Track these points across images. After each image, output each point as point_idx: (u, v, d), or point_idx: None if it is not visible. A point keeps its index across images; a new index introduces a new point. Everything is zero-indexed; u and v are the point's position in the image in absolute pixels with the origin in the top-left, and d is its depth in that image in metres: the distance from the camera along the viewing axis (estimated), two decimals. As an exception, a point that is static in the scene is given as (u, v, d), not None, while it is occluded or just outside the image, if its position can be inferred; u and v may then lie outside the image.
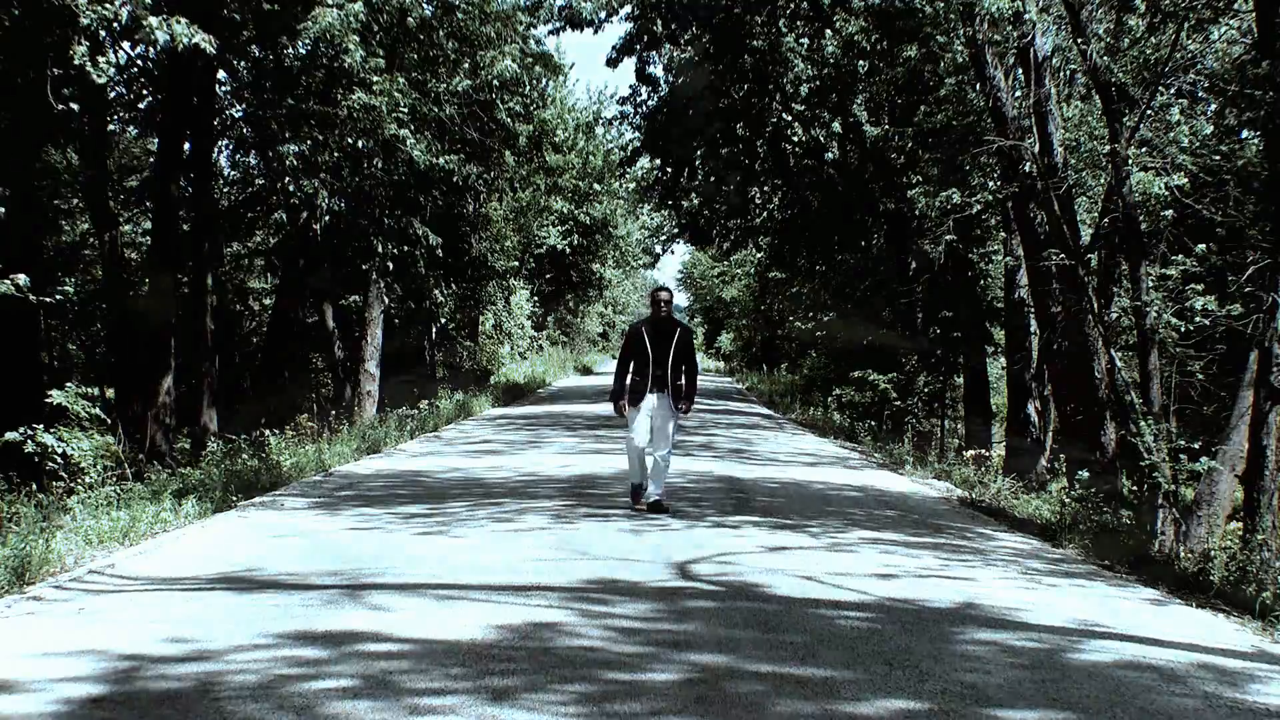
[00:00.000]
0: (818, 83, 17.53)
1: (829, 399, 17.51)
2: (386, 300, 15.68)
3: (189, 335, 11.96)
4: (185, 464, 9.13)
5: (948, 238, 15.34)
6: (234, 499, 6.81)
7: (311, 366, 18.24)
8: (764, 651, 3.45)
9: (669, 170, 20.12)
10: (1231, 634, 4.10)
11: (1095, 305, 8.63)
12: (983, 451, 14.99)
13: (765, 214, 21.07)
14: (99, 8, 6.46)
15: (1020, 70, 10.53)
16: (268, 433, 8.53)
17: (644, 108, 19.86)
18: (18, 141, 9.66)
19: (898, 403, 15.98)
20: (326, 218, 14.69)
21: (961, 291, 17.32)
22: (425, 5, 13.40)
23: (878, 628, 3.80)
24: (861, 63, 17.00)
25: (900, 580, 4.75)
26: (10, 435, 5.72)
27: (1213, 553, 5.79)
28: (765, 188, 20.44)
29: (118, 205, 13.64)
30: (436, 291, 17.68)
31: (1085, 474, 7.74)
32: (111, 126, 13.44)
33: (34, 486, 5.71)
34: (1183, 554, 6.09)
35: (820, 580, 4.67)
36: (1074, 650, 3.64)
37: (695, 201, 21.45)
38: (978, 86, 12.12)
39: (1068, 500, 7.64)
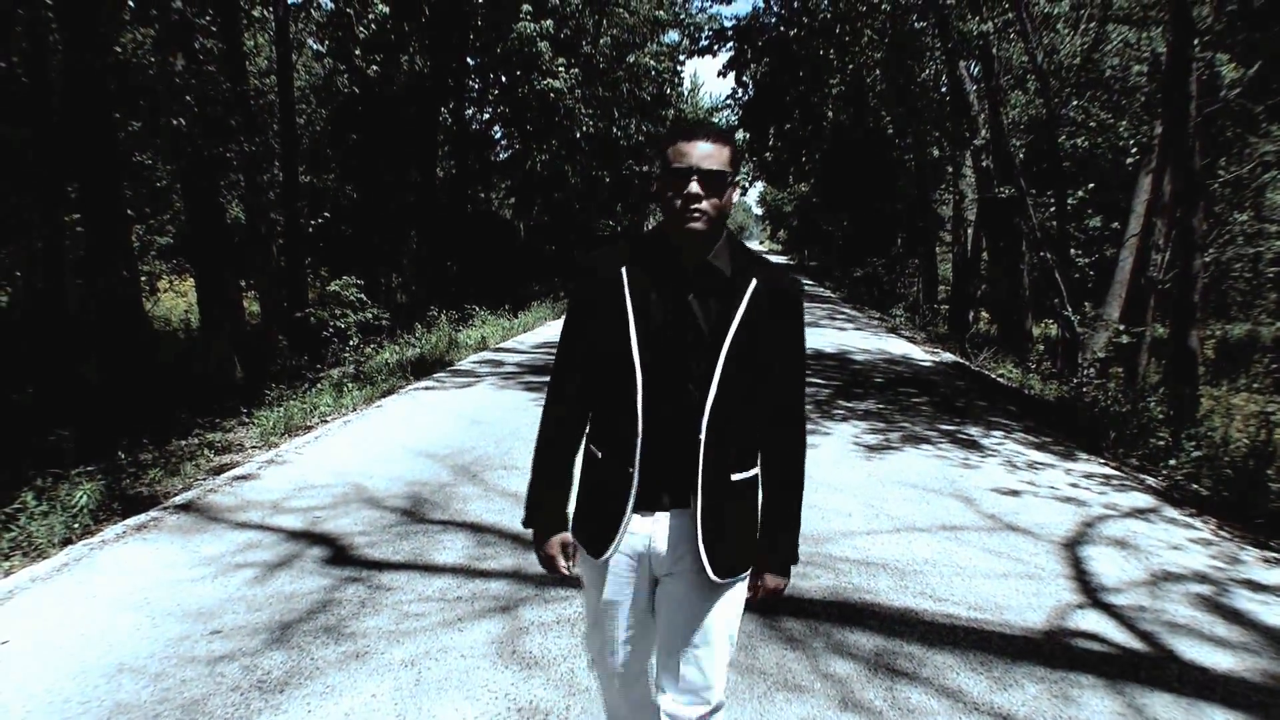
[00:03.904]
0: (843, 88, 25.97)
1: (847, 274, 30.22)
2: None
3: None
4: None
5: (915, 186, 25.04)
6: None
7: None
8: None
9: (756, 138, 32.22)
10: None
11: (1033, 218, 13.12)
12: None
13: (812, 165, 33.51)
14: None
15: (979, 67, 16.51)
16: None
17: (741, 100, 31.60)
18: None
19: (886, 279, 26.99)
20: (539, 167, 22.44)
21: (923, 211, 25.96)
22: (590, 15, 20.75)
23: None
24: (876, 73, 23.52)
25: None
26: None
27: (1083, 387, 9.43)
28: (812, 150, 31.95)
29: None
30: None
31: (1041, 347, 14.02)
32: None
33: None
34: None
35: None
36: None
37: (769, 157, 33.93)
38: (945, 78, 19.82)
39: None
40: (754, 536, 2.13)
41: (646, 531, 2.06)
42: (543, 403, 2.19)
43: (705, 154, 1.92)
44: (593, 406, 2.12)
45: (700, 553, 2.02)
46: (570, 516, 2.19)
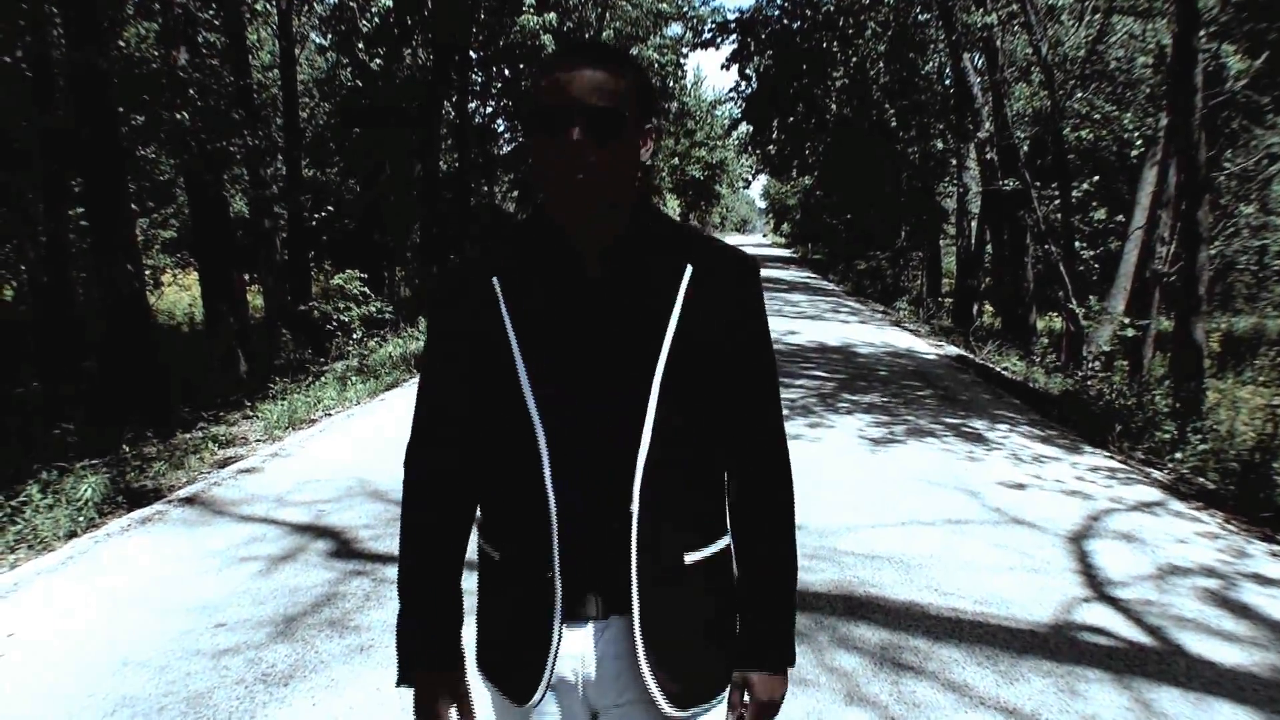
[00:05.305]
0: (847, 80, 25.52)
1: (850, 268, 31.02)
2: None
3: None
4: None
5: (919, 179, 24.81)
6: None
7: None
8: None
9: (759, 131, 31.80)
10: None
11: (1037, 211, 12.99)
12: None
13: (815, 158, 32.75)
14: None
15: (983, 60, 16.42)
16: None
17: (744, 93, 30.44)
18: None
19: (889, 272, 27.63)
20: None
21: (927, 204, 25.34)
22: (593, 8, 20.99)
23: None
24: (879, 65, 23.43)
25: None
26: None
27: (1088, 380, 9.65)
28: (816, 143, 31.41)
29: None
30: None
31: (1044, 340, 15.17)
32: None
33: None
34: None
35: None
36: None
37: (772, 150, 33.09)
38: (949, 70, 19.82)
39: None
40: (726, 639, 1.44)
41: (574, 651, 1.35)
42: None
43: (591, 85, 1.22)
44: (479, 491, 1.43)
45: (645, 676, 1.33)
46: (463, 649, 1.46)
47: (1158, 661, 3.64)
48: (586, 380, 1.29)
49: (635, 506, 1.28)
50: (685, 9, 27.66)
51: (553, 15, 17.74)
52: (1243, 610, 4.20)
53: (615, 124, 1.24)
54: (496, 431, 1.34)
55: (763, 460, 1.43)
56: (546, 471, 1.28)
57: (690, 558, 1.36)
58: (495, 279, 1.34)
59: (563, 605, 1.32)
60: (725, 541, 1.43)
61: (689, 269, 1.33)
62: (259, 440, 7.27)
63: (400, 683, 1.43)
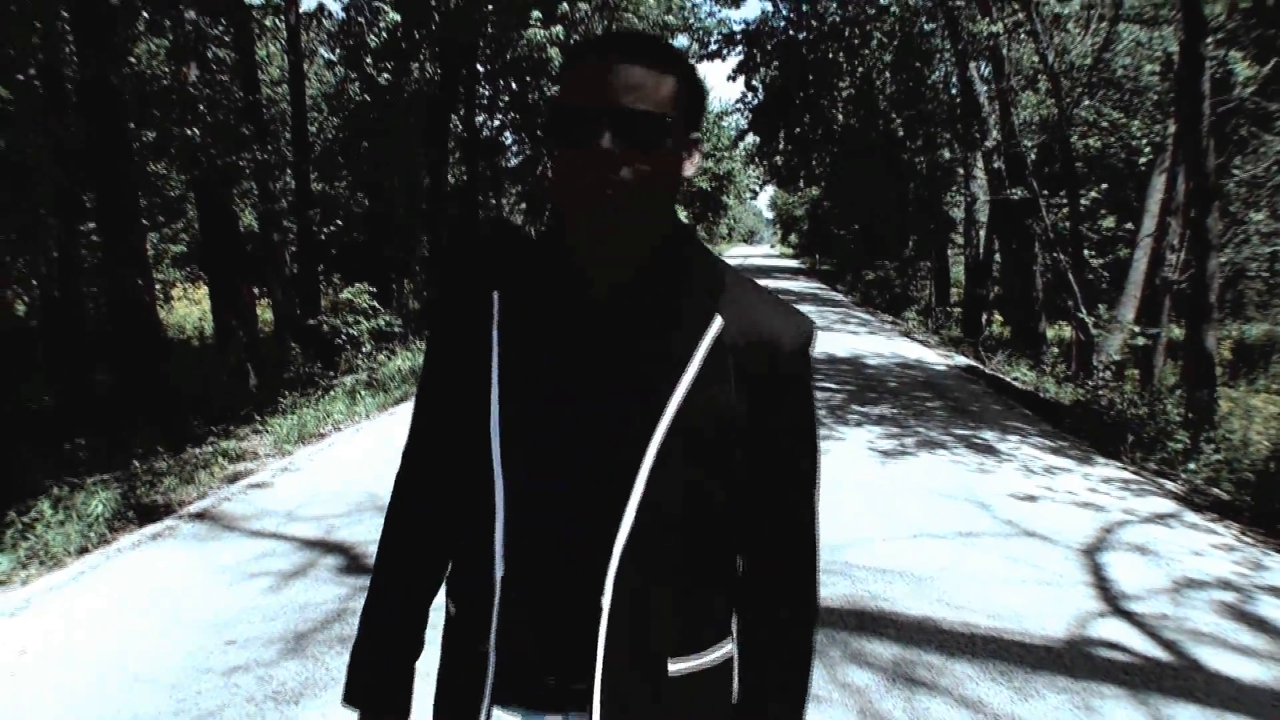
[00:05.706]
0: (853, 90, 25.72)
1: (859, 278, 30.22)
2: None
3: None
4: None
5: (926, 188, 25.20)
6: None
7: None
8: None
9: (766, 142, 32.39)
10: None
11: (1045, 220, 13.12)
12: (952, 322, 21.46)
13: (822, 168, 32.86)
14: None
15: (989, 68, 16.49)
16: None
17: (750, 104, 31.14)
18: None
19: (898, 282, 26.96)
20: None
21: (934, 214, 25.32)
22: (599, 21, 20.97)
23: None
24: (885, 75, 23.73)
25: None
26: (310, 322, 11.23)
27: (1099, 390, 9.32)
28: (823, 153, 31.64)
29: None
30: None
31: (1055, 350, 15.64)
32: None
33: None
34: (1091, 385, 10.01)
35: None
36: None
37: (779, 161, 33.64)
38: (956, 79, 19.74)
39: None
40: None
41: None
42: None
43: (630, 84, 1.00)
44: (449, 529, 1.23)
45: None
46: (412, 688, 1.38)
47: (1174, 677, 3.61)
48: (568, 433, 1.07)
49: (608, 599, 1.05)
50: (691, 21, 27.78)
51: (559, 28, 17.82)
52: (1260, 624, 4.16)
53: (656, 132, 1.02)
54: (463, 468, 1.14)
55: (785, 570, 1.17)
56: (498, 529, 1.08)
57: (677, 666, 1.11)
58: (495, 293, 1.13)
59: (494, 685, 1.11)
60: (728, 648, 1.18)
61: (717, 320, 1.08)
62: (269, 455, 7.28)
63: (345, 701, 1.30)
